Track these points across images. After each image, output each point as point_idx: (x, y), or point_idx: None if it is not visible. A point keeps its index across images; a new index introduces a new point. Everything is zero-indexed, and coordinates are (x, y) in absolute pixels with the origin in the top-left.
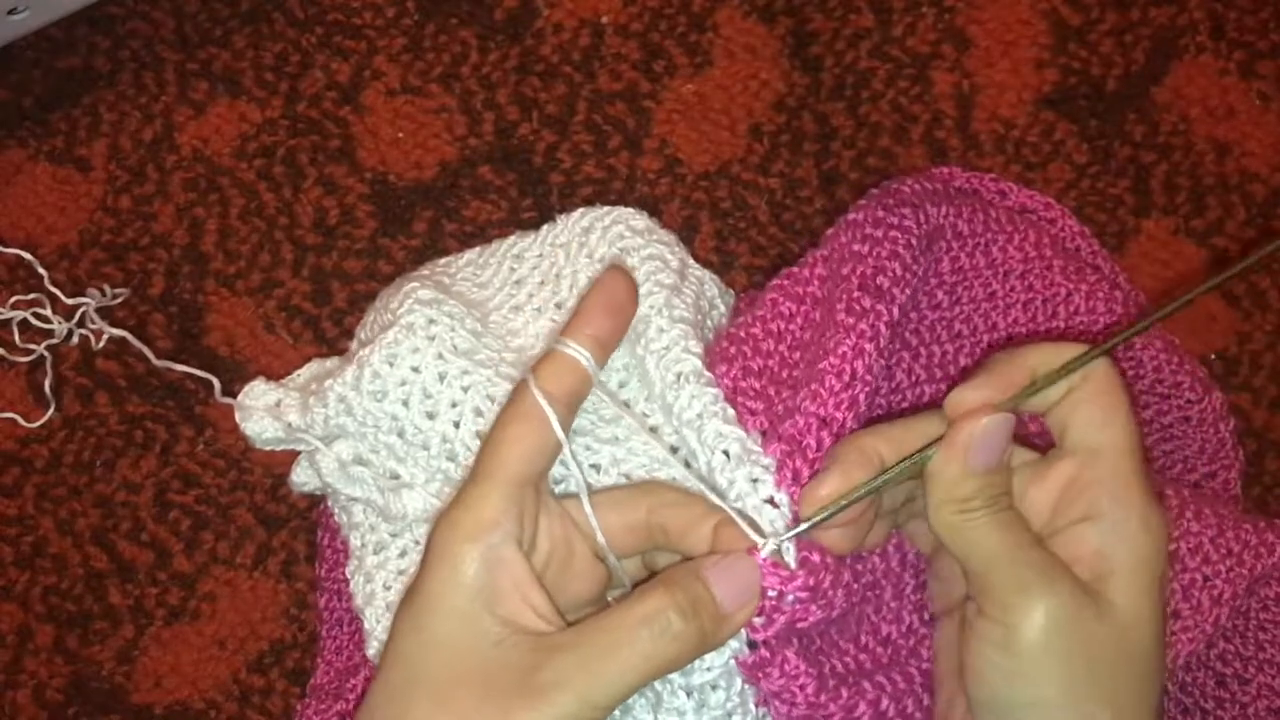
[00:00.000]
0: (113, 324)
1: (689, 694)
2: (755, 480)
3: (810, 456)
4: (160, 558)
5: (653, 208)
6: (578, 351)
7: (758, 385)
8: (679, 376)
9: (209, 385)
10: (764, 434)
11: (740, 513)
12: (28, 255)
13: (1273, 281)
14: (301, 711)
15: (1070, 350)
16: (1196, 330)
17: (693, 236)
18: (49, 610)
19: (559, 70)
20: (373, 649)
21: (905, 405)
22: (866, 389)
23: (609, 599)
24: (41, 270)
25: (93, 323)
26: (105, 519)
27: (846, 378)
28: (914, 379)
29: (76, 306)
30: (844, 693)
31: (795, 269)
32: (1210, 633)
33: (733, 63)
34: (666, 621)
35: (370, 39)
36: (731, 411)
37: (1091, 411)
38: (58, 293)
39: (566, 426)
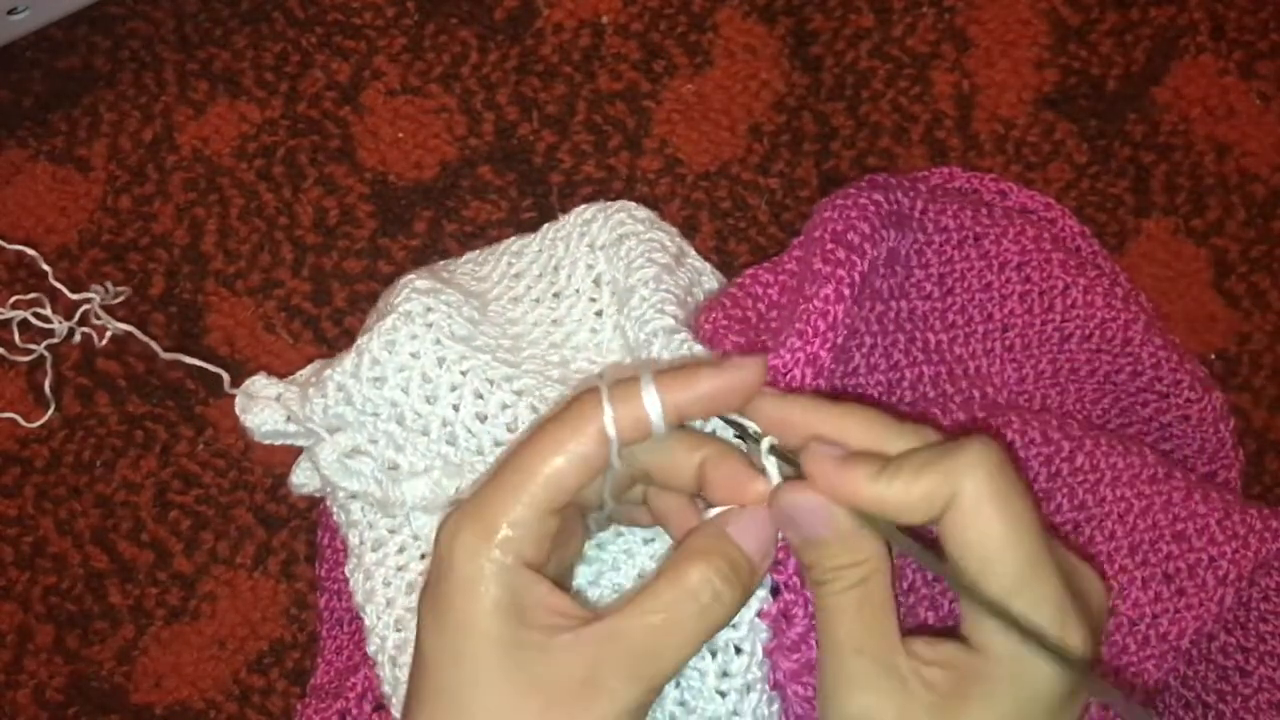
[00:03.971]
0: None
1: (713, 654)
2: None
3: (794, 389)
4: (160, 558)
5: (653, 208)
6: (653, 406)
7: (737, 327)
8: (650, 334)
9: (209, 385)
10: None
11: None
12: (30, 251)
13: (1273, 282)
14: (301, 711)
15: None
16: (1196, 330)
17: (693, 236)
18: (49, 610)
19: (559, 70)
20: (373, 646)
21: (905, 385)
22: (843, 334)
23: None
24: (45, 266)
25: (97, 318)
26: (105, 519)
27: (830, 319)
28: (913, 359)
29: (78, 304)
30: None
31: (777, 256)
32: (1216, 613)
33: (733, 63)
34: (713, 591)
35: (370, 39)
36: (702, 349)
37: (974, 535)
38: (61, 288)
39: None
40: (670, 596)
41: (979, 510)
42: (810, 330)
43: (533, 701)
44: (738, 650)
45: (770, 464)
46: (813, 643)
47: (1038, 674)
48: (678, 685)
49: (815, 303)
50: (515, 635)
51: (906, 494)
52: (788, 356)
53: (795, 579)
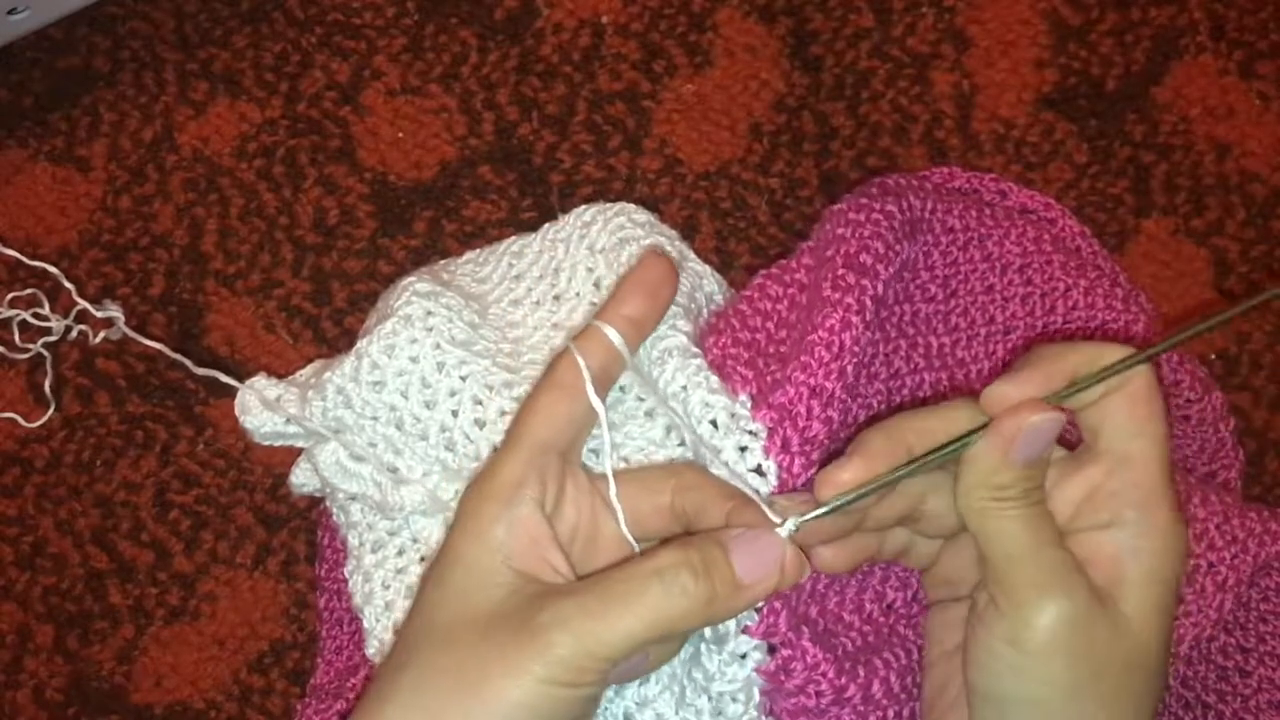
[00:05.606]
0: (110, 324)
1: (710, 698)
2: (744, 448)
3: (800, 425)
4: (160, 558)
5: (653, 208)
6: (610, 332)
7: (746, 355)
8: (664, 352)
9: (209, 385)
10: (753, 399)
11: (760, 497)
12: (53, 269)
13: (1273, 282)
14: (301, 711)
15: (1112, 352)
16: None
17: (693, 236)
18: (49, 610)
19: (559, 70)
20: (372, 648)
21: (905, 391)
22: (854, 360)
23: None
24: (68, 284)
25: (118, 334)
26: (105, 519)
27: (836, 349)
28: (913, 366)
29: (84, 311)
30: (860, 671)
31: (785, 260)
32: (1215, 619)
33: (733, 63)
34: (677, 577)
35: (370, 39)
36: (716, 380)
37: (1126, 417)
38: (87, 305)
39: (600, 399)
40: (635, 570)
41: (1151, 396)
42: (814, 362)
43: (474, 629)
44: (733, 699)
45: (789, 547)
46: (811, 693)
47: (1181, 538)
48: (678, 713)
49: (820, 333)
50: (494, 572)
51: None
52: (792, 392)
53: (790, 635)
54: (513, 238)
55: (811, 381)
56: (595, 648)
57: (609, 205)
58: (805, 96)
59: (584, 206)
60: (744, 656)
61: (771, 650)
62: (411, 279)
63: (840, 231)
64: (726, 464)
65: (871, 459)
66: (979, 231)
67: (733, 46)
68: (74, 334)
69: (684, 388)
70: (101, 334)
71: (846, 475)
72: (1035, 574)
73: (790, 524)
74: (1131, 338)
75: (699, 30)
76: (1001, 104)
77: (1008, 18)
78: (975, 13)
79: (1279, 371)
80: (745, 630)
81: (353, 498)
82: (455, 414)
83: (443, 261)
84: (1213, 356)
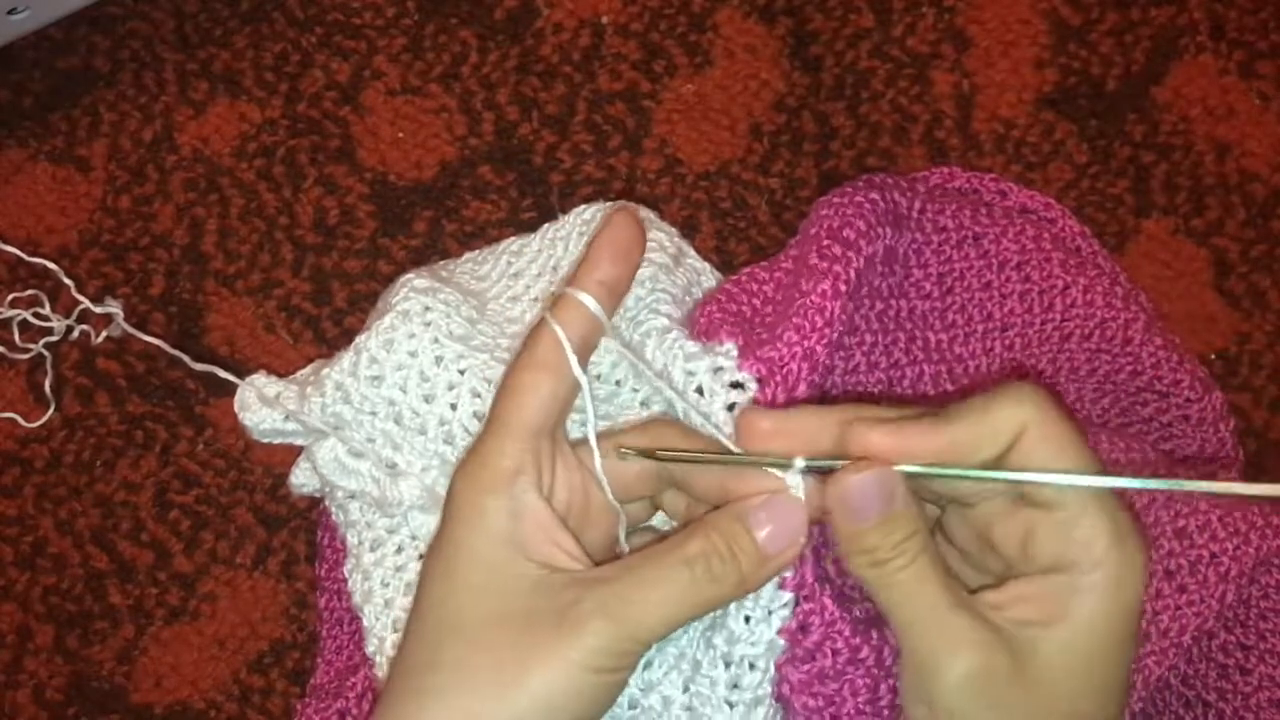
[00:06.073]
0: (110, 322)
1: (728, 665)
2: (731, 406)
3: (790, 382)
4: (160, 558)
5: (653, 208)
6: (586, 299)
7: (731, 320)
8: (643, 335)
9: (209, 385)
10: (740, 351)
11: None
12: (52, 265)
13: (1273, 281)
14: (301, 711)
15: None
16: (1196, 330)
17: (693, 236)
18: (49, 610)
19: (559, 70)
20: (372, 646)
21: (906, 382)
22: (839, 330)
23: (622, 544)
24: (66, 280)
25: (118, 330)
26: (105, 519)
27: (828, 315)
28: (912, 358)
29: (74, 303)
30: (873, 634)
31: (774, 256)
32: (1216, 609)
33: (733, 63)
34: (708, 566)
35: (370, 39)
36: (694, 347)
37: (1046, 460)
38: (87, 302)
39: (581, 369)
40: (667, 558)
41: (1054, 426)
42: (807, 325)
43: (509, 625)
44: (751, 666)
45: (798, 481)
46: (827, 651)
47: (1135, 571)
48: (686, 690)
49: (813, 298)
50: (512, 565)
51: (978, 429)
52: (784, 350)
53: (815, 586)
54: (513, 237)
55: (805, 344)
56: (633, 631)
57: (609, 203)
58: (805, 96)
59: (584, 205)
60: (770, 613)
61: (795, 604)
62: (410, 275)
63: (824, 213)
64: (717, 427)
65: (801, 429)
66: (974, 230)
67: (733, 46)
68: (75, 334)
69: (665, 366)
70: (103, 333)
71: (766, 425)
72: (931, 643)
73: (799, 462)
74: (1131, 337)
75: (699, 30)
76: (1001, 104)
77: (1008, 18)
78: (975, 13)
79: (1279, 371)
80: (783, 584)
81: (351, 495)
82: (454, 407)
83: (443, 262)
84: (1213, 356)
